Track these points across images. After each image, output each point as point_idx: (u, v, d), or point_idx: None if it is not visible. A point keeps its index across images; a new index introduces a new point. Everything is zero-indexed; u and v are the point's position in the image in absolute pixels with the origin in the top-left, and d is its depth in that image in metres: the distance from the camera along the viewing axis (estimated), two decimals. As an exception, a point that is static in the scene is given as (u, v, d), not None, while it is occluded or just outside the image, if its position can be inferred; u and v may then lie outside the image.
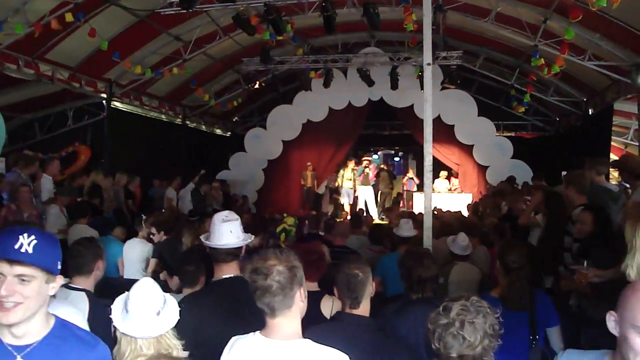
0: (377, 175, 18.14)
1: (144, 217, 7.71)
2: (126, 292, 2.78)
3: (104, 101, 14.22)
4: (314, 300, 3.88)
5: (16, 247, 2.08)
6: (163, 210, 9.50)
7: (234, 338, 2.57)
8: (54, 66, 12.12)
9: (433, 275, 3.79)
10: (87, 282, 3.73)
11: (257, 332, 2.46)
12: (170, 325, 2.71)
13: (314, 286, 4.25)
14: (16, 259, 2.07)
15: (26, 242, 2.10)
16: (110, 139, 14.06)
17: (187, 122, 18.29)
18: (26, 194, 8.37)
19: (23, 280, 2.10)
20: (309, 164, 18.22)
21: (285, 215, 10.10)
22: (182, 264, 4.92)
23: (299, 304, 2.49)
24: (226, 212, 3.51)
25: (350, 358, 2.47)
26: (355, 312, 3.11)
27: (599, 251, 4.70)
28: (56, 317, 2.31)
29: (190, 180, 13.52)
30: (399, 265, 4.01)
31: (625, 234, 3.29)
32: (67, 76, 12.63)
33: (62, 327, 2.28)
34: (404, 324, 3.50)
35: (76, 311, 3.03)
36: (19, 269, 2.09)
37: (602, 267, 4.54)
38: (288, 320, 2.45)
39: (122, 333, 2.69)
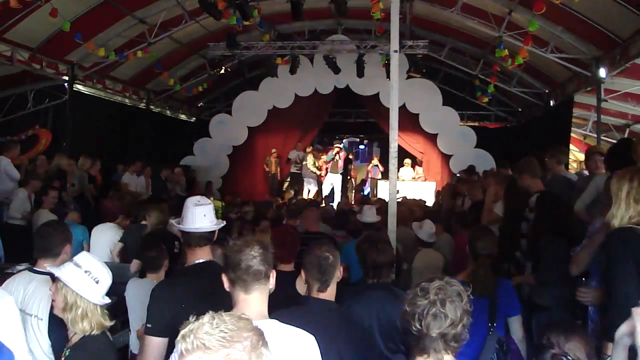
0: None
1: None
2: (72, 268, 2.93)
3: (65, 84, 13.93)
4: (291, 279, 3.92)
5: None
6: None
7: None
8: (14, 46, 11.81)
9: (388, 260, 3.79)
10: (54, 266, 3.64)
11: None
12: None
13: (290, 267, 4.32)
14: None
15: None
16: (72, 122, 13.77)
17: (152, 107, 18.04)
18: None
19: None
20: (273, 150, 18.23)
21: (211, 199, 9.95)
22: (144, 250, 4.90)
23: (270, 286, 2.60)
24: (198, 197, 3.49)
25: (318, 342, 2.53)
26: (322, 295, 3.12)
27: (549, 238, 4.86)
28: None
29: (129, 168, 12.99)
30: (356, 251, 4.03)
31: (611, 187, 3.50)
32: (28, 57, 12.32)
33: None
34: (358, 308, 3.53)
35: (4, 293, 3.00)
36: None
37: (552, 254, 4.71)
38: (261, 297, 2.55)
39: (97, 304, 2.91)
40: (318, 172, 17.76)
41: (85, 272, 2.92)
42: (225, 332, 1.49)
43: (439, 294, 2.21)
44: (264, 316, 2.52)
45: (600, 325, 3.66)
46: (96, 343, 2.92)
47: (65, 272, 2.92)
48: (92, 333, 2.90)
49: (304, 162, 17.64)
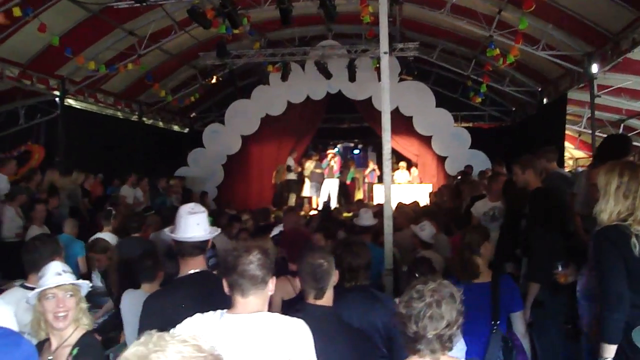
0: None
1: (113, 212, 7.58)
2: (66, 274, 3.10)
3: (57, 99, 13.84)
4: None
5: None
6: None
7: (197, 315, 2.60)
8: (3, 63, 11.73)
9: (364, 262, 3.76)
10: (36, 279, 3.55)
11: (223, 310, 2.56)
12: None
13: None
14: None
15: None
16: (65, 137, 13.70)
17: (144, 119, 17.96)
18: None
19: None
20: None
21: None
22: (140, 259, 4.84)
23: (269, 291, 2.63)
24: (192, 205, 3.40)
25: (318, 349, 2.54)
26: (319, 302, 3.09)
27: (541, 232, 4.85)
28: None
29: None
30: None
31: (598, 180, 3.47)
32: (17, 73, 12.23)
33: None
34: (337, 312, 3.49)
35: (3, 303, 3.04)
36: None
37: (544, 248, 4.75)
38: (258, 301, 2.57)
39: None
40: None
41: (70, 273, 3.13)
42: None
43: (434, 295, 2.26)
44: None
45: (589, 317, 3.64)
46: (94, 336, 3.17)
47: (70, 277, 3.09)
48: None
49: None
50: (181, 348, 1.38)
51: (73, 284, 3.07)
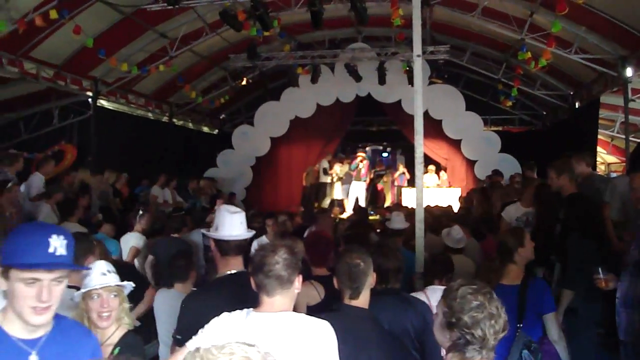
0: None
1: (141, 212, 7.66)
2: (110, 274, 3.15)
3: (89, 99, 14.09)
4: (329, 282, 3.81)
5: (50, 250, 2.05)
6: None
7: (224, 313, 2.63)
8: (39, 64, 11.98)
9: (394, 266, 3.76)
10: (78, 278, 3.54)
11: (250, 309, 2.59)
12: None
13: (324, 271, 4.33)
14: (54, 262, 2.06)
15: (59, 244, 2.08)
16: (97, 137, 13.93)
17: (174, 120, 18.17)
18: (14, 192, 8.23)
19: (58, 282, 2.11)
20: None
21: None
22: (173, 259, 4.89)
23: (295, 290, 2.64)
24: (229, 205, 3.48)
25: (349, 349, 2.51)
26: (354, 302, 3.08)
27: (577, 238, 4.79)
28: None
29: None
30: None
31: None
32: (52, 74, 12.49)
33: (59, 318, 2.28)
34: None
35: None
36: (57, 273, 2.09)
37: (580, 254, 4.70)
38: (284, 300, 2.59)
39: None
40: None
41: (114, 273, 3.19)
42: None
43: (486, 296, 2.26)
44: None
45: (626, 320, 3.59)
46: (135, 335, 3.21)
47: (114, 277, 3.15)
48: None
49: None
50: None
51: (118, 285, 3.14)
